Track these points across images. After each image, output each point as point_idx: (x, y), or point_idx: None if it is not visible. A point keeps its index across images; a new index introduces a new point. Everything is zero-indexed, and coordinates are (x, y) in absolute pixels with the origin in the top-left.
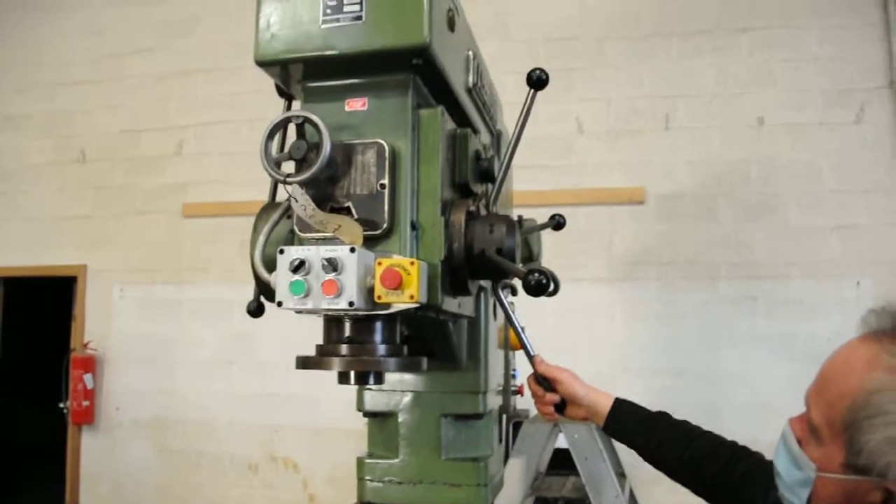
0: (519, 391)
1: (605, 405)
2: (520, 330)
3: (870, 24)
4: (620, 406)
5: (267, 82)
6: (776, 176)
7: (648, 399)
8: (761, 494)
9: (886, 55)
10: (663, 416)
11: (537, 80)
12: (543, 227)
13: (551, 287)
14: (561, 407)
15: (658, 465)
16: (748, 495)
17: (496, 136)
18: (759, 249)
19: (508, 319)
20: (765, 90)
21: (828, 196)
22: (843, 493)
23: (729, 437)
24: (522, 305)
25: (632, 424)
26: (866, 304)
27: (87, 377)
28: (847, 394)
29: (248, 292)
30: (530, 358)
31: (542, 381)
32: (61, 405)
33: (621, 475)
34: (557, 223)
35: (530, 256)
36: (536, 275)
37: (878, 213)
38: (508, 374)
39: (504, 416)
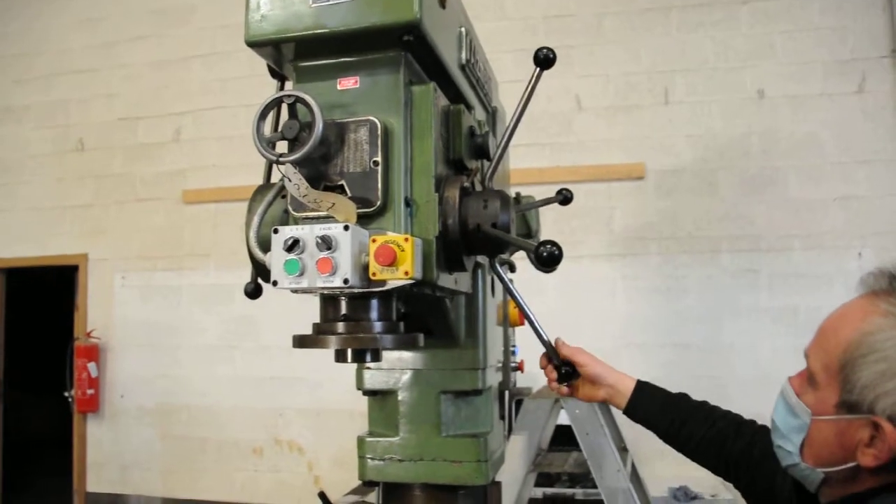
0: (519, 367)
1: (628, 387)
2: (526, 309)
3: None
4: (643, 389)
5: (261, 67)
6: (777, 148)
7: (652, 373)
8: (781, 469)
9: (889, 24)
10: (684, 398)
11: (544, 59)
12: (550, 201)
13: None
14: (568, 379)
15: (680, 446)
16: (767, 470)
17: (491, 113)
18: (761, 222)
19: (511, 294)
20: (765, 62)
21: (829, 167)
22: (836, 433)
23: (734, 410)
24: (522, 282)
25: (654, 408)
26: None
27: (91, 366)
28: (843, 339)
29: (249, 276)
30: (546, 342)
31: (554, 357)
32: (66, 394)
33: (623, 449)
34: (565, 198)
35: (528, 233)
36: (549, 246)
37: (880, 184)
38: (508, 351)
39: (507, 393)
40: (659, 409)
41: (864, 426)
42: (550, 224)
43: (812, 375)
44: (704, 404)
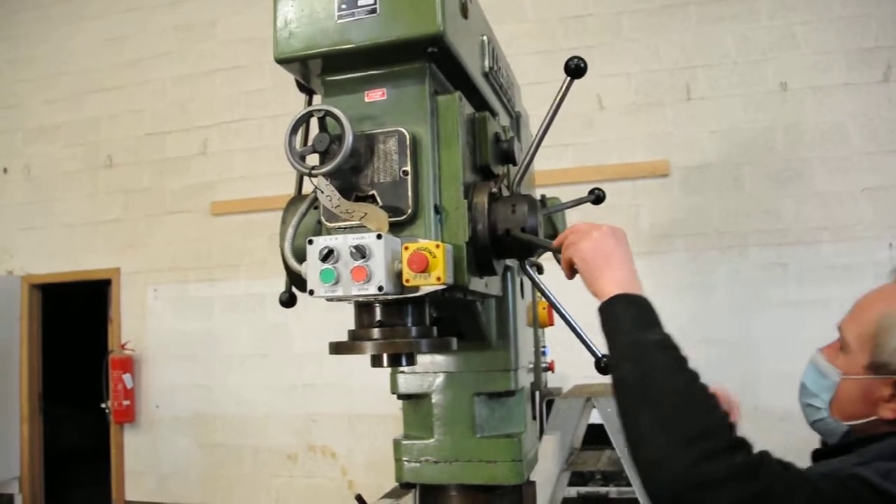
0: (550, 368)
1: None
2: (560, 307)
3: None
4: None
5: (285, 78)
6: (802, 141)
7: None
8: None
9: None
10: None
11: (575, 69)
12: (581, 201)
13: None
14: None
15: None
16: None
17: (515, 118)
18: (788, 216)
19: (543, 294)
20: (787, 54)
21: (856, 158)
22: (861, 390)
23: (767, 406)
24: (550, 282)
25: None
26: None
27: (126, 377)
28: (878, 311)
29: (279, 285)
30: (581, 337)
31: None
32: (103, 405)
33: None
34: (597, 197)
35: (555, 235)
36: None
37: None
38: (538, 352)
39: (538, 393)
40: None
41: (886, 385)
42: (574, 223)
43: (845, 343)
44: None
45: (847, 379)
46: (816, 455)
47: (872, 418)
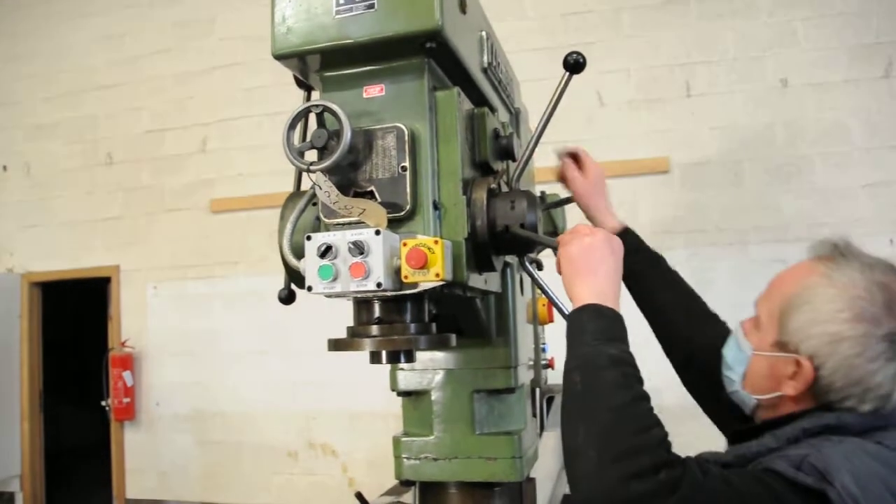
0: (549, 364)
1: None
2: (559, 303)
3: None
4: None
5: (285, 75)
6: (803, 137)
7: None
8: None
9: None
10: (663, 261)
11: (574, 64)
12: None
13: None
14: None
15: (648, 310)
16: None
17: (515, 114)
18: (789, 212)
19: (542, 290)
20: (787, 50)
21: (857, 154)
22: (768, 367)
23: None
24: (550, 279)
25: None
26: None
27: (126, 374)
28: (786, 291)
29: (279, 282)
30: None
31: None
32: (103, 403)
33: None
34: None
35: (555, 231)
36: None
37: None
38: (538, 349)
39: (538, 391)
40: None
41: (789, 363)
42: (576, 221)
43: (758, 320)
44: (677, 276)
45: (757, 355)
46: (735, 437)
47: (778, 394)
